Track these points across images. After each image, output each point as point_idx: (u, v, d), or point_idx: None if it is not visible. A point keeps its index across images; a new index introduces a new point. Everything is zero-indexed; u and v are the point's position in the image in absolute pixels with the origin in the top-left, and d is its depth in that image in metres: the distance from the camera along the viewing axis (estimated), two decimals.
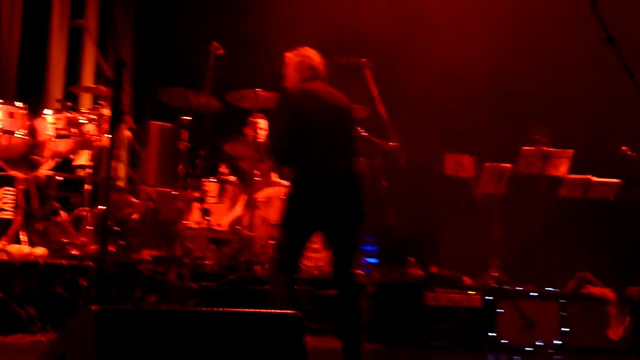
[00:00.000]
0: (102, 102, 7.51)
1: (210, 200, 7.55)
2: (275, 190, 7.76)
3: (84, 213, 6.99)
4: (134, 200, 7.75)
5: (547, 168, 8.77)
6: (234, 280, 6.67)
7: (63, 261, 6.12)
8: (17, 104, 7.14)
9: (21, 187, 6.80)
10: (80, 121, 7.24)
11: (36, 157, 7.32)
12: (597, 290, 8.08)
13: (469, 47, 9.33)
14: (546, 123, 9.01)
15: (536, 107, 9.81)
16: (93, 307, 3.01)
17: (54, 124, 7.15)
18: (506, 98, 9.67)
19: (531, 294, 7.89)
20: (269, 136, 5.93)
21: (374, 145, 8.14)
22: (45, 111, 7.32)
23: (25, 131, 7.10)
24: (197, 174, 7.46)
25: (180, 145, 7.43)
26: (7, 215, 6.70)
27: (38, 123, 7.25)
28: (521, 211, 9.01)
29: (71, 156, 7.77)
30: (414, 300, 7.38)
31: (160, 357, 3.08)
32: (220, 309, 3.42)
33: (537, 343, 7.58)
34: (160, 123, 8.73)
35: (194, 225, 7.44)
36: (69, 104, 7.35)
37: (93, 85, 8.53)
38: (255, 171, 7.66)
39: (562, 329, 7.69)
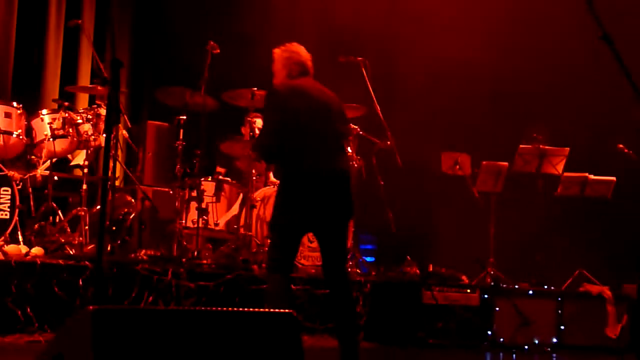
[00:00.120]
0: (98, 102, 7.52)
1: (207, 199, 7.54)
2: (272, 189, 7.76)
3: (81, 213, 6.98)
4: (130, 199, 7.75)
5: (544, 166, 8.80)
6: (232, 279, 6.66)
7: (60, 261, 6.11)
8: (14, 103, 7.15)
9: (18, 187, 6.80)
10: (77, 121, 7.25)
11: (33, 157, 7.32)
12: (595, 288, 8.09)
13: (465, 47, 9.33)
14: (543, 122, 9.04)
15: (533, 106, 9.83)
16: (90, 307, 3.01)
17: (50, 123, 7.14)
18: (503, 97, 9.68)
19: (529, 292, 7.90)
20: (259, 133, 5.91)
21: (371, 144, 8.16)
22: (42, 111, 7.31)
23: (22, 131, 7.11)
24: (194, 174, 7.46)
25: (177, 145, 7.43)
26: (4, 215, 6.69)
27: (35, 123, 7.25)
28: (518, 209, 9.02)
29: (68, 156, 7.77)
30: (412, 299, 7.38)
31: (158, 357, 3.08)
32: (218, 309, 3.41)
33: (534, 341, 7.59)
34: (157, 122, 8.73)
35: (191, 225, 7.44)
36: (65, 103, 7.34)
37: (90, 85, 8.51)
38: (252, 170, 7.65)
39: (560, 327, 7.71)
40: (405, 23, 9.80)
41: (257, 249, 7.39)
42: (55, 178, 7.31)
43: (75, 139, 7.23)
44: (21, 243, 6.61)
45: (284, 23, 9.17)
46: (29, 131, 7.22)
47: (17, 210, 6.72)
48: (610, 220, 9.15)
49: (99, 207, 6.97)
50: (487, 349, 7.42)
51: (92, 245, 6.83)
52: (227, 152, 8.17)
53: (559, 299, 7.83)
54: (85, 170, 7.26)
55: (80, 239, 6.87)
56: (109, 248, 6.77)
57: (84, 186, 7.16)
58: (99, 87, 7.54)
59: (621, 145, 8.50)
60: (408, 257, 8.25)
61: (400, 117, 8.50)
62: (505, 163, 8.78)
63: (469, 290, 7.57)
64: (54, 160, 7.35)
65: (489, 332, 7.51)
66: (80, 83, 9.41)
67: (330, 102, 5.10)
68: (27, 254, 6.33)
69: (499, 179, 8.78)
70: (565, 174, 8.81)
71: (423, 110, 9.46)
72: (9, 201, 6.70)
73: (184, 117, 7.51)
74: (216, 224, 7.65)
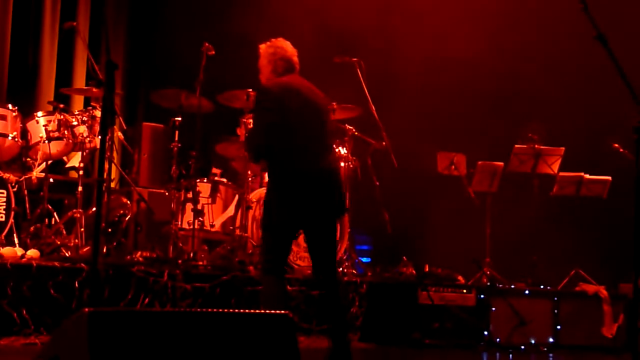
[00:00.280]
0: (94, 104, 7.51)
1: (202, 201, 7.54)
2: None
3: (77, 215, 6.97)
4: (126, 201, 7.74)
5: (539, 166, 8.81)
6: (228, 281, 6.66)
7: (56, 263, 6.10)
8: (9, 106, 7.14)
9: (14, 189, 6.79)
10: (72, 123, 7.24)
11: (28, 159, 7.31)
12: (591, 288, 8.10)
13: (460, 47, 9.33)
14: (538, 121, 9.05)
15: (528, 106, 9.84)
16: (86, 309, 3.01)
17: (45, 126, 7.13)
18: (498, 97, 9.68)
19: (525, 292, 7.91)
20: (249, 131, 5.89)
21: (366, 145, 8.16)
22: (37, 113, 7.31)
23: (17, 133, 7.10)
24: (190, 175, 7.45)
25: (172, 146, 7.43)
26: (0, 217, 6.68)
27: (30, 125, 7.24)
28: (514, 209, 9.03)
29: (63, 158, 7.76)
30: (408, 299, 7.39)
31: (154, 359, 3.08)
32: (214, 310, 3.41)
33: (530, 341, 7.60)
34: (152, 124, 8.71)
35: (186, 226, 7.43)
36: (60, 105, 7.33)
37: (85, 87, 8.50)
38: (247, 171, 7.65)
39: (556, 326, 7.71)
40: (400, 23, 9.79)
41: (253, 250, 7.39)
42: (51, 180, 7.30)
43: (70, 141, 7.22)
44: (17, 245, 6.60)
45: (279, 24, 9.15)
46: (24, 133, 7.21)
47: (12, 213, 6.71)
48: (605, 220, 9.16)
49: (94, 209, 6.97)
50: (483, 349, 7.43)
51: (87, 247, 6.82)
52: (223, 154, 8.17)
53: (555, 298, 7.84)
54: (81, 172, 7.25)
55: (76, 241, 6.86)
56: (104, 250, 6.76)
57: (80, 188, 7.14)
58: (94, 89, 7.54)
59: (616, 145, 8.51)
60: (404, 257, 8.26)
61: (396, 118, 8.50)
62: (501, 163, 8.79)
63: (465, 291, 7.58)
64: (50, 162, 7.35)
65: (485, 332, 7.51)
66: (75, 85, 9.39)
67: (319, 100, 5.11)
68: (22, 256, 6.31)
69: (494, 179, 8.80)
70: (561, 173, 8.83)
71: (418, 111, 9.46)
72: (4, 204, 6.70)
73: (179, 119, 7.51)
74: (212, 225, 7.65)
